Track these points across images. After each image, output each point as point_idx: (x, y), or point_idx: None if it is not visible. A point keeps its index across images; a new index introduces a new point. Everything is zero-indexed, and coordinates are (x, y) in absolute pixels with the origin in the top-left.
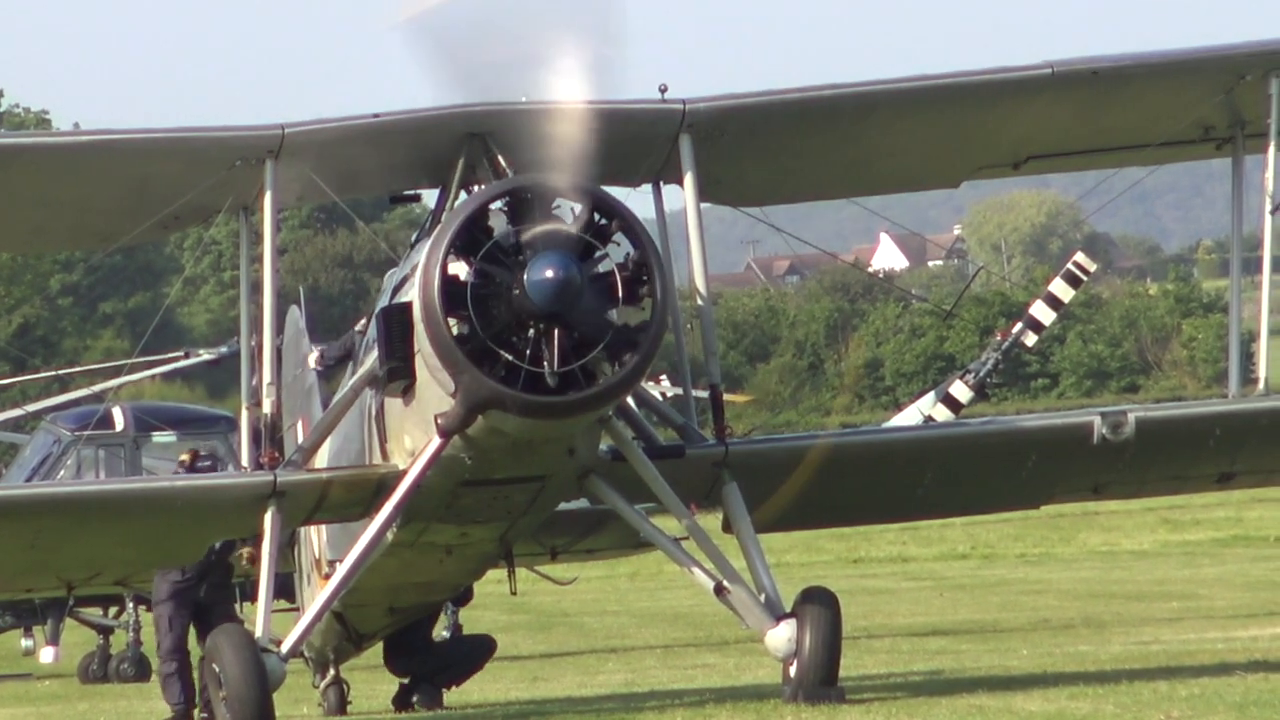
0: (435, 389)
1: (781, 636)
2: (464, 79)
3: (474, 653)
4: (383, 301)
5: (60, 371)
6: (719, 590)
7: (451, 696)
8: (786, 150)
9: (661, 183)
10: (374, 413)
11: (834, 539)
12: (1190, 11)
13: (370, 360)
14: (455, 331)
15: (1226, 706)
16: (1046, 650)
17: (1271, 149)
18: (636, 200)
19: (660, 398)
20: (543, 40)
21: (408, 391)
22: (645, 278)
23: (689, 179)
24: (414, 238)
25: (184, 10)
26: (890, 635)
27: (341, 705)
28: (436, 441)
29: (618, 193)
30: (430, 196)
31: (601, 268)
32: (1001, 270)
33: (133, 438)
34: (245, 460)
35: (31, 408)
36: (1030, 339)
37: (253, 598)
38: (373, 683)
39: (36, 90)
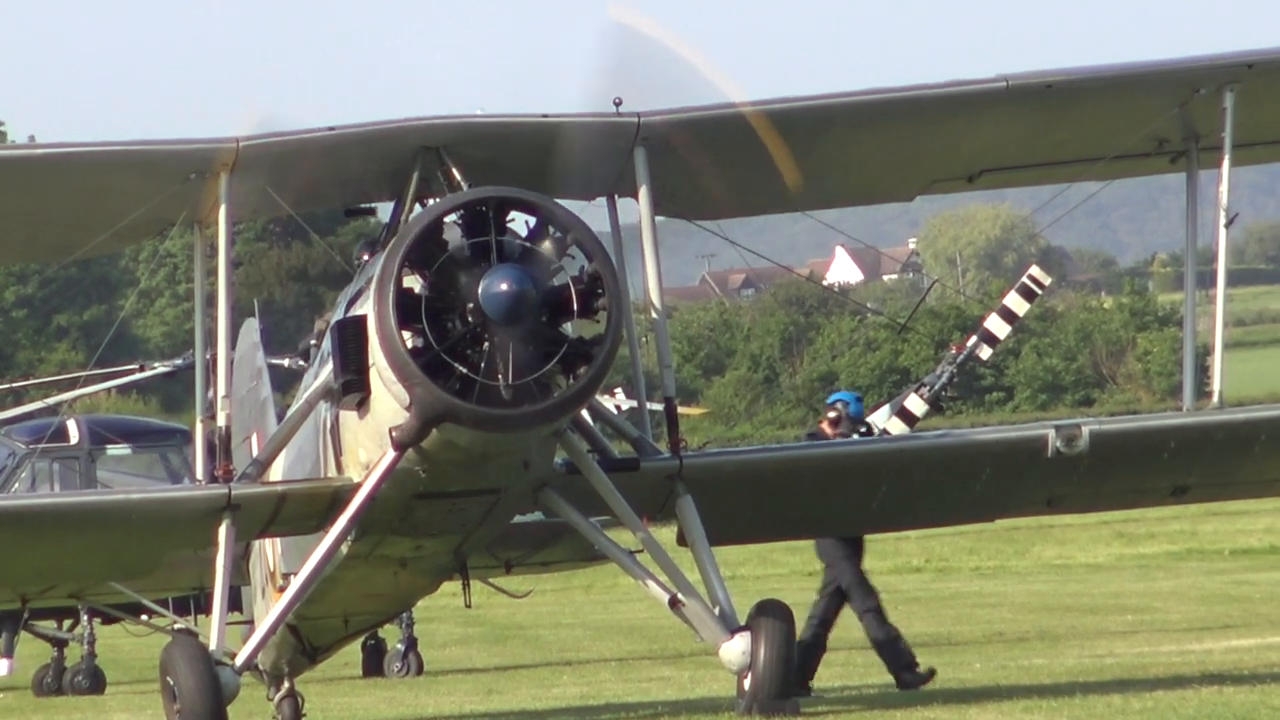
0: (390, 402)
1: (736, 649)
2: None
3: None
4: (337, 315)
5: (14, 384)
6: (674, 603)
7: (405, 709)
8: (742, 163)
9: (616, 196)
10: (329, 426)
11: (789, 552)
12: (1144, 25)
13: (325, 373)
14: (410, 344)
15: (1180, 719)
16: (1001, 663)
17: (1226, 162)
18: (591, 214)
19: (615, 411)
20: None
21: (362, 405)
22: (600, 291)
23: (644, 192)
24: (360, 249)
25: (142, 23)
26: (845, 648)
27: (295, 718)
28: (391, 454)
29: (573, 206)
30: (385, 209)
31: (556, 281)
32: (956, 283)
33: (87, 450)
34: (200, 473)
35: None
36: (985, 352)
37: (206, 610)
38: (327, 695)
39: None
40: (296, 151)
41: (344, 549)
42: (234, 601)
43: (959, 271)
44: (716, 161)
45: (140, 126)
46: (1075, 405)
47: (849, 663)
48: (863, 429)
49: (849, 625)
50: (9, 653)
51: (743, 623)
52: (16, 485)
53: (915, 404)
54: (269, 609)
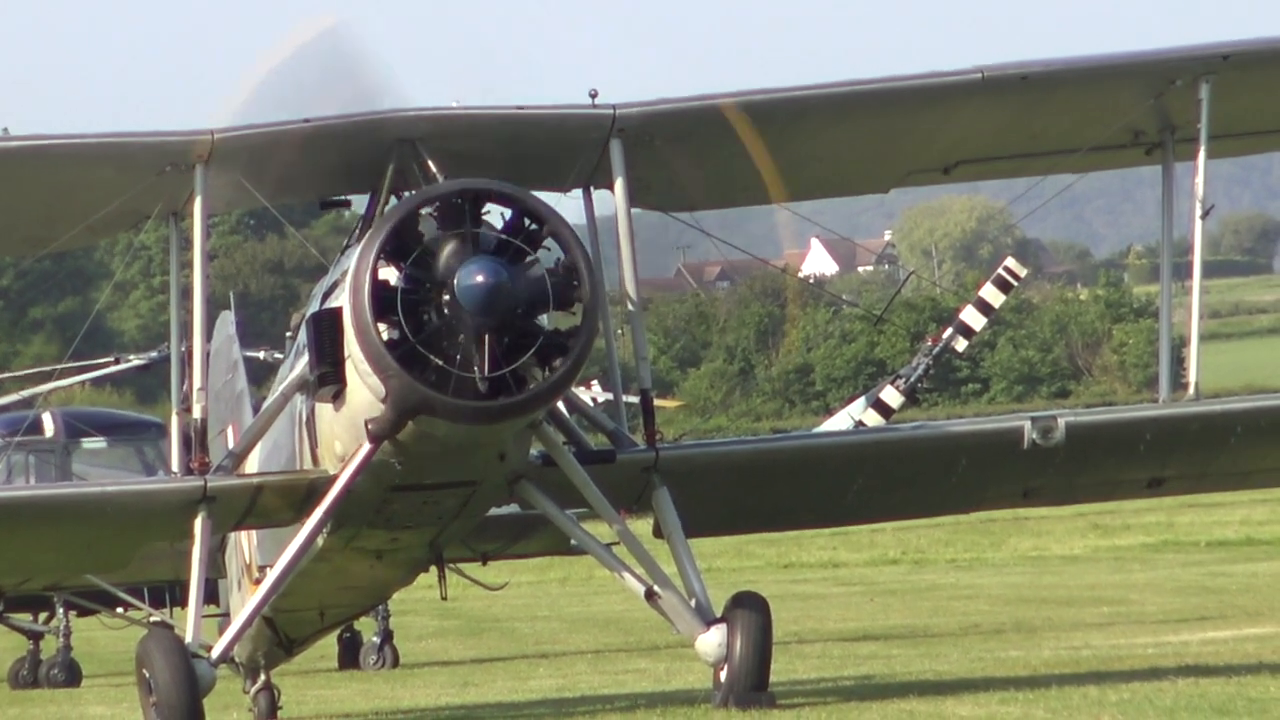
0: (366, 394)
1: (712, 642)
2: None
3: None
4: (313, 307)
5: None
6: (650, 595)
7: (381, 702)
8: (717, 155)
9: (592, 188)
10: (304, 418)
11: (765, 544)
12: (1121, 17)
13: (301, 365)
14: (385, 336)
15: (1157, 711)
16: (977, 655)
17: (1201, 154)
18: (567, 205)
19: (591, 403)
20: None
21: (338, 397)
22: (576, 283)
23: (619, 184)
24: (345, 244)
25: (114, 15)
26: (821, 640)
27: (272, 711)
28: (367, 447)
29: (548, 198)
30: (360, 202)
31: (532, 273)
32: (932, 275)
33: (63, 444)
34: (175, 466)
35: None
36: (961, 344)
37: (182, 603)
38: (303, 688)
39: None
40: (272, 143)
41: (320, 541)
42: (211, 594)
43: (935, 263)
44: (692, 153)
45: (114, 119)
46: (1051, 397)
47: (825, 655)
48: None
49: (823, 617)
50: None
51: (719, 615)
52: None
53: (891, 396)
54: (245, 601)
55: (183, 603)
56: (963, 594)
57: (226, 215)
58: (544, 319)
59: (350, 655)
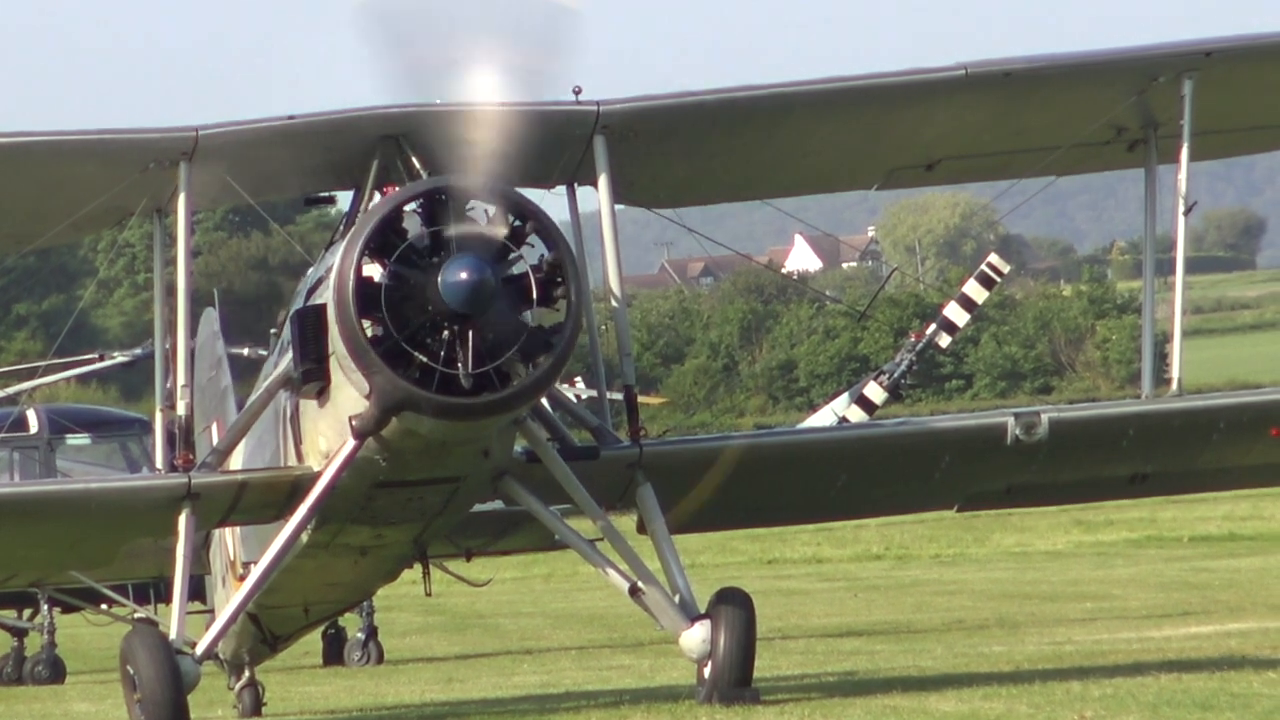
0: (350, 391)
1: (696, 637)
2: (408, 74)
3: None
4: (297, 303)
5: None
6: (633, 591)
7: (365, 698)
8: (701, 152)
9: (576, 184)
10: (289, 415)
11: (748, 540)
12: (1104, 13)
13: (285, 362)
14: (369, 333)
15: (1140, 706)
16: (960, 650)
17: (1184, 150)
18: (551, 202)
19: (575, 399)
20: (478, 44)
21: (322, 393)
22: (560, 279)
23: (603, 180)
24: (330, 240)
25: (99, 12)
26: (805, 636)
27: (256, 707)
28: (351, 443)
29: (532, 194)
30: (345, 198)
31: (516, 269)
32: (915, 272)
33: (47, 440)
34: (160, 462)
35: None
36: (944, 340)
37: (166, 599)
38: (288, 684)
39: None
40: (255, 140)
41: (304, 538)
42: (195, 591)
43: (918, 259)
44: (676, 150)
45: (99, 116)
46: (1034, 393)
47: (809, 651)
48: None
49: (807, 613)
50: None
51: (703, 611)
52: None
53: (875, 392)
54: (229, 598)
55: (167, 599)
56: (946, 589)
57: (210, 212)
58: (528, 315)
59: (335, 651)
